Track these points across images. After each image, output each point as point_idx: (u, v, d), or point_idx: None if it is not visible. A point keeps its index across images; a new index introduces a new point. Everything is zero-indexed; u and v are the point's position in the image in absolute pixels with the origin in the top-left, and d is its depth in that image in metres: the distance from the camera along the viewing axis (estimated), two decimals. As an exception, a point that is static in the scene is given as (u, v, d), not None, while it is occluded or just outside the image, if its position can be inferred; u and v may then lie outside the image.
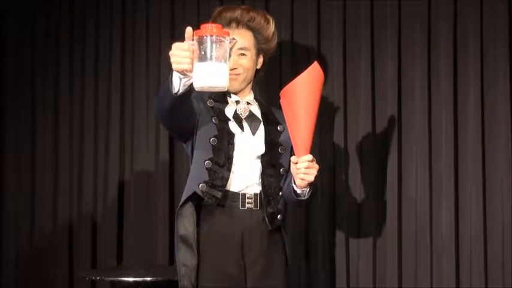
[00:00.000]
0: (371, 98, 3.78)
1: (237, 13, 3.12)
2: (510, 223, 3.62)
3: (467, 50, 3.69)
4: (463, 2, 3.71)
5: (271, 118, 3.12)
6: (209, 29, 2.63)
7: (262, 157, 3.08)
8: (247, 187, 3.07)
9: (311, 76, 2.86)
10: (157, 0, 4.07)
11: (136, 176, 4.06)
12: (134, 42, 4.10)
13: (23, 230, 4.18)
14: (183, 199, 3.01)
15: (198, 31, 2.64)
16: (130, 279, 3.43)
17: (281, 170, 3.07)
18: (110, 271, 3.52)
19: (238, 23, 3.12)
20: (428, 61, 3.73)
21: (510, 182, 3.64)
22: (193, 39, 2.64)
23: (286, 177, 3.08)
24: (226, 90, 2.70)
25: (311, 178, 2.89)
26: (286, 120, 2.92)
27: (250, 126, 3.11)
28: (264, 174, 3.06)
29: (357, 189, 3.77)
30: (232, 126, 3.08)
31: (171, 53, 2.71)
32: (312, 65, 2.88)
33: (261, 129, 3.10)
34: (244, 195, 3.07)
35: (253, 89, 3.19)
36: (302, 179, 2.90)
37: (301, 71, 2.91)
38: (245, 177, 3.07)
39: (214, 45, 2.63)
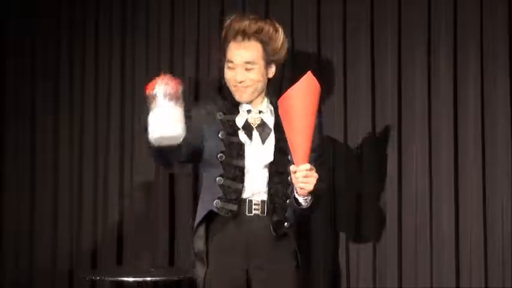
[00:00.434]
0: (371, 98, 3.78)
1: (245, 24, 3.13)
2: (510, 223, 3.62)
3: (467, 50, 3.69)
4: (463, 2, 3.70)
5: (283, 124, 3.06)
6: (159, 82, 2.72)
7: (270, 165, 3.12)
8: (254, 194, 3.14)
9: (304, 86, 2.89)
10: (157, 0, 4.06)
11: (137, 175, 4.06)
12: (134, 42, 4.09)
13: (23, 230, 4.17)
14: (198, 219, 3.13)
15: (149, 85, 2.74)
16: (131, 279, 3.42)
17: (289, 177, 3.05)
18: (110, 271, 3.52)
19: (246, 35, 3.13)
20: (428, 61, 3.73)
21: (510, 182, 3.63)
22: (152, 92, 2.72)
23: None
24: (181, 139, 2.74)
25: (310, 187, 2.91)
26: (284, 129, 2.94)
27: (260, 134, 3.16)
28: (271, 182, 3.11)
29: (357, 189, 3.76)
30: (242, 136, 3.14)
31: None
32: (305, 75, 2.91)
33: (272, 137, 3.15)
34: (251, 201, 3.14)
35: (267, 95, 3.21)
36: (301, 188, 2.92)
37: (301, 74, 2.97)
38: (253, 185, 3.13)
39: (165, 97, 2.71)
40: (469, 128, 3.68)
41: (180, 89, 2.75)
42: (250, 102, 3.20)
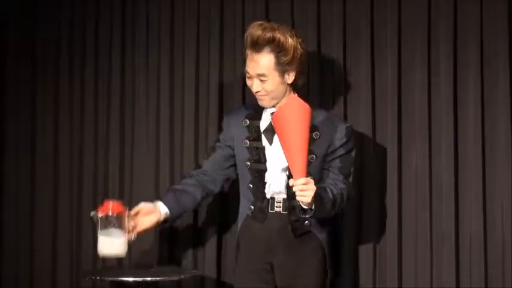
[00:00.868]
0: (371, 97, 3.78)
1: (257, 35, 3.25)
2: (510, 223, 3.62)
3: (467, 49, 3.68)
4: (463, 0, 3.70)
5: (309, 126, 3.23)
6: (108, 208, 3.22)
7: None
8: (275, 193, 3.38)
9: (289, 109, 3.07)
10: (157, 0, 4.06)
11: (137, 175, 4.06)
12: (134, 42, 4.09)
13: (23, 230, 4.17)
14: (239, 222, 3.46)
15: (101, 208, 3.22)
16: (131, 279, 3.42)
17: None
18: (110, 271, 3.52)
19: (258, 45, 3.27)
20: (428, 60, 3.72)
21: (510, 182, 3.63)
22: (97, 216, 3.23)
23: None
24: (124, 255, 3.26)
25: (307, 200, 3.09)
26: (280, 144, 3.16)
27: None
28: (289, 184, 3.18)
29: (357, 189, 3.76)
30: (264, 139, 3.37)
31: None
32: (289, 97, 3.24)
33: None
34: (273, 199, 3.38)
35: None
36: (300, 200, 3.11)
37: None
38: (273, 186, 3.37)
39: (113, 221, 3.22)
40: (469, 127, 3.67)
41: (125, 214, 3.25)
42: (274, 106, 3.36)
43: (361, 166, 3.75)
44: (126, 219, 3.25)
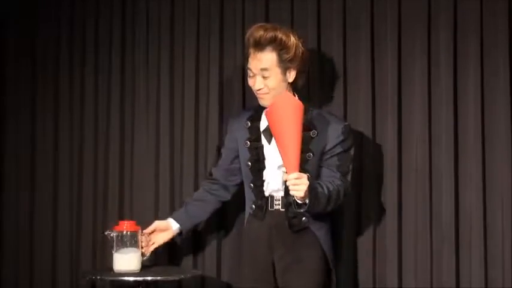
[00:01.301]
0: (371, 96, 3.77)
1: (260, 35, 3.36)
2: (510, 222, 3.62)
3: (467, 40, 3.67)
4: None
5: (307, 125, 3.33)
6: (123, 226, 3.46)
7: None
8: (273, 191, 3.45)
9: (281, 104, 3.15)
10: (157, 0, 4.07)
11: (137, 175, 4.06)
12: (134, 42, 4.09)
13: (23, 230, 4.17)
14: (246, 222, 3.54)
15: (115, 227, 3.47)
16: (131, 279, 3.42)
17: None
18: (110, 271, 3.52)
19: (260, 45, 3.37)
20: (428, 60, 3.72)
21: (510, 182, 3.63)
22: (112, 233, 3.46)
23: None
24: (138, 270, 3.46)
25: (299, 194, 3.16)
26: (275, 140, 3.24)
27: None
28: (282, 179, 3.27)
29: (357, 189, 3.76)
30: (263, 138, 3.45)
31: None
32: (280, 95, 3.27)
33: None
34: (272, 197, 3.46)
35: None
36: (293, 195, 3.19)
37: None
38: (272, 184, 3.44)
39: (127, 239, 3.45)
40: (469, 126, 3.66)
41: (139, 232, 3.48)
42: None
43: (361, 163, 3.75)
44: (140, 237, 3.49)
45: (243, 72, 3.67)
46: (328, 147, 3.39)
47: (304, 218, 3.39)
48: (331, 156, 3.40)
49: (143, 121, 4.06)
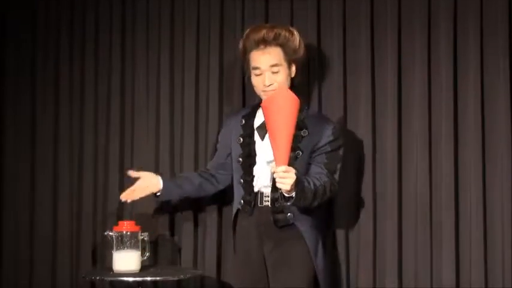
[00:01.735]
0: (371, 96, 3.78)
1: (263, 33, 3.44)
2: (510, 223, 3.62)
3: (467, 44, 3.68)
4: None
5: (299, 124, 3.33)
6: (124, 226, 3.49)
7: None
8: (263, 187, 3.49)
9: (279, 97, 3.18)
10: (157, 0, 4.07)
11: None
12: (134, 42, 4.09)
13: (23, 230, 4.17)
14: (235, 218, 3.57)
15: (115, 227, 3.50)
16: (131, 279, 3.43)
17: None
18: (110, 271, 3.52)
19: (266, 42, 3.44)
20: (429, 59, 3.72)
21: (510, 182, 3.63)
22: (112, 234, 3.50)
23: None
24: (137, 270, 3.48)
25: (285, 187, 3.20)
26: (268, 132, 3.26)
27: None
28: (274, 178, 3.27)
29: (357, 188, 3.76)
30: (256, 135, 3.50)
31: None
32: (278, 89, 3.35)
33: None
34: (262, 193, 3.50)
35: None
36: (280, 188, 3.22)
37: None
38: (262, 179, 3.49)
39: (127, 239, 3.47)
40: (469, 126, 3.67)
41: (138, 232, 3.50)
42: None
43: (361, 163, 3.76)
44: (140, 237, 3.51)
45: (243, 68, 3.69)
46: (317, 146, 3.45)
47: (289, 214, 3.43)
48: (320, 154, 3.45)
49: (143, 122, 4.06)
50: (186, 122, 3.99)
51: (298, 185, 3.22)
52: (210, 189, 3.72)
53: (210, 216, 3.92)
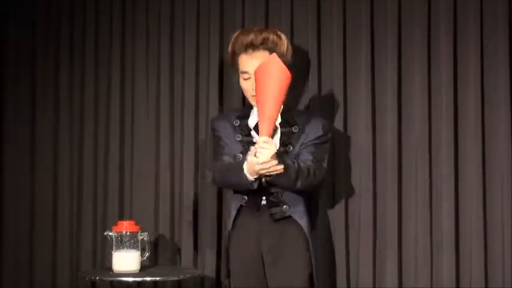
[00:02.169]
0: (371, 95, 3.78)
1: (251, 37, 3.48)
2: (510, 223, 3.62)
3: (467, 44, 3.67)
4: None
5: (290, 121, 3.48)
6: (123, 226, 3.50)
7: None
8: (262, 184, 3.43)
9: (272, 65, 3.22)
10: (157, 0, 4.07)
11: (136, 176, 4.06)
12: (134, 42, 4.10)
13: (23, 231, 4.18)
14: (233, 213, 3.51)
15: (115, 227, 3.51)
16: (130, 279, 3.43)
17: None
18: (110, 271, 3.52)
19: (254, 46, 3.48)
20: (429, 58, 3.72)
21: (510, 182, 3.63)
22: (111, 234, 3.51)
23: None
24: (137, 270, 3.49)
25: (263, 158, 3.22)
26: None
27: None
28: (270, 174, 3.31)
29: (357, 189, 3.76)
30: (254, 134, 3.48)
31: (259, 168, 3.27)
32: (270, 56, 3.33)
33: (278, 133, 3.47)
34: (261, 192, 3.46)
35: None
36: (257, 156, 3.25)
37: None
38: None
39: (126, 239, 3.48)
40: (469, 126, 3.67)
41: (138, 232, 3.51)
42: None
43: (361, 165, 3.76)
44: (139, 237, 3.52)
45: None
46: (307, 140, 3.48)
47: (285, 207, 3.43)
48: (307, 145, 3.48)
49: (143, 122, 4.06)
50: (186, 122, 3.99)
51: (279, 160, 3.25)
52: None
53: (210, 216, 3.92)
